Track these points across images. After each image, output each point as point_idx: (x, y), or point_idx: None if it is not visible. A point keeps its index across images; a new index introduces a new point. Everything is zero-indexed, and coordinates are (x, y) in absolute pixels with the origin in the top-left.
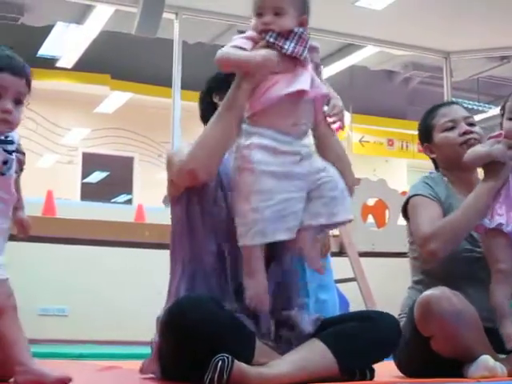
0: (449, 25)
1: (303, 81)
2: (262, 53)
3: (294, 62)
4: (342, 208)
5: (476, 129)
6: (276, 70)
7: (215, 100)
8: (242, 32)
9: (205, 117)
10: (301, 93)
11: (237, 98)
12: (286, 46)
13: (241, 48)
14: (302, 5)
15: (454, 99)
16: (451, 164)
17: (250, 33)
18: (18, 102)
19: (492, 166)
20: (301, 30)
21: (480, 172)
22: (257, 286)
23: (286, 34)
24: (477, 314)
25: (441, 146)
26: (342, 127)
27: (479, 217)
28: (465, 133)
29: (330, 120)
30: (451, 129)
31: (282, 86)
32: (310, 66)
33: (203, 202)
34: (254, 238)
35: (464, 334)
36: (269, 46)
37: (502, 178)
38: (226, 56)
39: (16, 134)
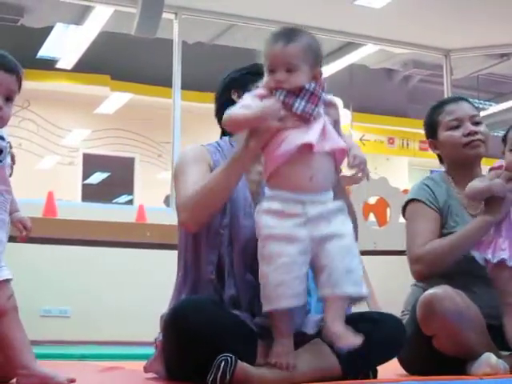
0: (448, 22)
1: (311, 134)
2: (260, 104)
3: (304, 120)
4: (349, 282)
5: (481, 128)
6: (286, 126)
7: (234, 97)
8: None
9: (221, 115)
10: (309, 146)
11: (243, 157)
12: (296, 105)
13: (246, 107)
14: (314, 58)
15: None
16: (454, 162)
17: (259, 90)
18: (9, 98)
19: (492, 200)
20: (313, 85)
21: (484, 169)
22: (281, 348)
23: (297, 92)
24: (479, 313)
25: (445, 145)
26: (366, 178)
27: (471, 248)
28: (469, 133)
29: (351, 171)
30: (456, 127)
31: (290, 142)
32: (323, 119)
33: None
34: (264, 304)
35: (466, 333)
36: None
37: (502, 213)
38: (230, 117)
39: (5, 132)
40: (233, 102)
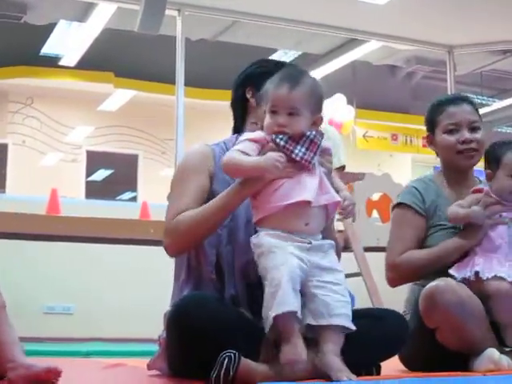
0: (452, 19)
1: (309, 189)
2: (264, 162)
3: (301, 167)
4: (343, 314)
5: (478, 135)
6: (282, 175)
7: (248, 96)
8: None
9: (234, 107)
10: (305, 202)
11: (233, 201)
12: (296, 151)
13: (245, 153)
14: (316, 104)
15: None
16: (447, 164)
17: (257, 134)
18: None
19: (470, 225)
20: (313, 133)
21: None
22: (293, 349)
23: (298, 138)
24: (481, 306)
25: (439, 146)
26: (351, 217)
27: (442, 266)
28: (464, 141)
29: (341, 212)
30: (453, 132)
31: (285, 194)
32: (318, 171)
33: None
34: (273, 310)
35: (469, 325)
36: (278, 148)
37: (478, 239)
38: (230, 162)
39: None
40: (246, 100)
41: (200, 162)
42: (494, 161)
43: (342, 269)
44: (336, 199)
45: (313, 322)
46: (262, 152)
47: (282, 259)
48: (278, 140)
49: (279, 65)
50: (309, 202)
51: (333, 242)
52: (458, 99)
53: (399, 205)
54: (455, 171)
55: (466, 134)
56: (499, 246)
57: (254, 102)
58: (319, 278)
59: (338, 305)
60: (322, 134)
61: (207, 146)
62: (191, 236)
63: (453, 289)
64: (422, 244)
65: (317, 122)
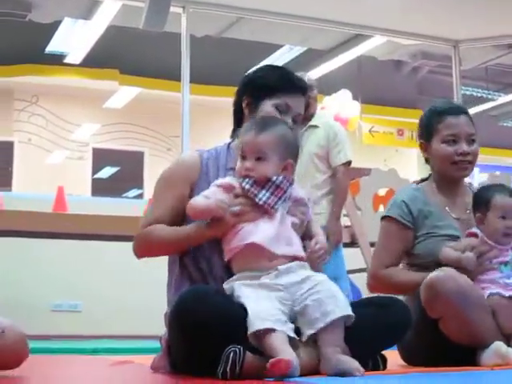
0: (457, 13)
1: (262, 232)
2: (218, 198)
3: (264, 211)
4: (336, 306)
5: (473, 147)
6: (242, 219)
7: (243, 104)
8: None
9: (233, 113)
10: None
11: (197, 239)
12: (260, 195)
13: (207, 197)
14: (286, 149)
15: (463, 88)
16: (440, 174)
17: (226, 180)
18: None
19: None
20: (280, 178)
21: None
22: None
23: (263, 183)
24: (483, 295)
25: (435, 155)
26: (322, 263)
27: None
28: (462, 153)
29: (314, 255)
30: (451, 142)
31: (242, 237)
32: (281, 217)
33: None
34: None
35: (471, 315)
36: (243, 192)
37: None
38: (190, 205)
39: None
40: (241, 108)
41: (181, 175)
42: (483, 203)
43: (306, 263)
44: (297, 254)
45: (312, 331)
46: (231, 195)
47: (259, 309)
48: (243, 183)
49: (276, 70)
50: (261, 249)
51: (299, 261)
52: (457, 110)
53: (386, 217)
54: (448, 180)
55: (464, 147)
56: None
57: (248, 110)
58: (301, 292)
59: (330, 300)
60: (290, 181)
61: (195, 155)
62: (156, 251)
63: (454, 278)
64: (410, 252)
65: (287, 166)
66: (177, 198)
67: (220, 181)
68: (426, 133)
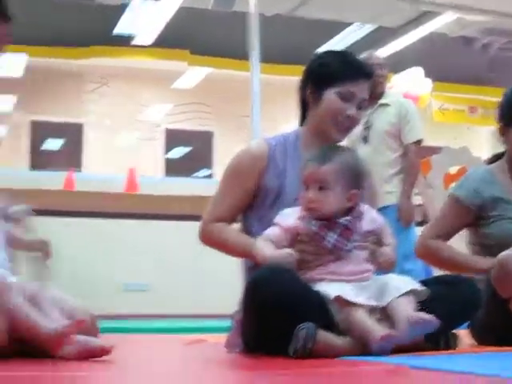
0: None
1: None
2: (278, 253)
3: (335, 253)
4: (404, 282)
5: None
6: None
7: (307, 91)
8: None
9: (299, 100)
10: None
11: (251, 258)
12: (327, 238)
13: (272, 241)
14: (350, 179)
15: None
16: None
17: (289, 223)
18: None
19: None
20: (347, 219)
21: None
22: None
23: (331, 224)
24: None
25: None
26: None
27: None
28: None
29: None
30: None
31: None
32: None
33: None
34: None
35: None
36: (309, 235)
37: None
38: (259, 255)
39: None
40: (304, 95)
41: (248, 168)
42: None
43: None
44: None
45: (384, 303)
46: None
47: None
48: (310, 225)
49: (337, 56)
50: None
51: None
52: None
53: (453, 195)
54: None
55: None
56: None
57: (312, 98)
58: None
59: (402, 284)
60: (359, 218)
61: (263, 144)
62: (217, 248)
63: None
64: (480, 231)
65: (352, 198)
66: (242, 193)
67: (286, 222)
68: (508, 116)
